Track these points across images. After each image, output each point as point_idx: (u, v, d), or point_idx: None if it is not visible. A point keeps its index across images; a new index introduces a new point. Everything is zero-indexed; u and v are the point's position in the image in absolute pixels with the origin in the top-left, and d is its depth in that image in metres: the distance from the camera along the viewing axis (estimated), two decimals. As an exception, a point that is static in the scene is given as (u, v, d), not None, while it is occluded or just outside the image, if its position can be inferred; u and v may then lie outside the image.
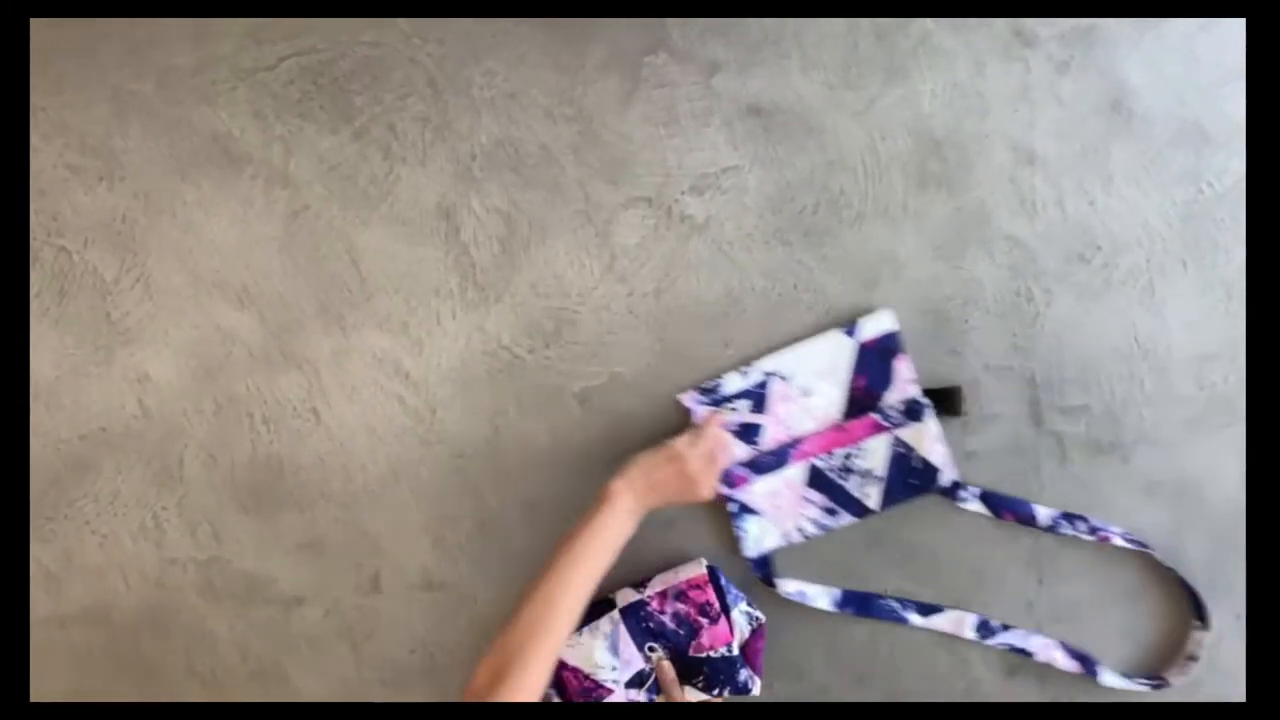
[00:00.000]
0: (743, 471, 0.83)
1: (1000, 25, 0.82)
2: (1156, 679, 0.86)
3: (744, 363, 0.84)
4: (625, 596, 0.81)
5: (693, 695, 0.81)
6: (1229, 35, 0.83)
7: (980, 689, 0.90)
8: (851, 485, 0.84)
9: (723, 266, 0.84)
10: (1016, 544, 0.87)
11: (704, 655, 0.80)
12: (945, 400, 0.86)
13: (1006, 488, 0.86)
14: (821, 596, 0.86)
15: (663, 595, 0.80)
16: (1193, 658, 0.87)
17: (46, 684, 0.89)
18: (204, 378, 0.84)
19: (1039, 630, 0.88)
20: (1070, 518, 0.85)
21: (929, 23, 0.82)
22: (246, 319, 0.84)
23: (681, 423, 0.84)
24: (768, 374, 0.83)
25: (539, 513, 0.86)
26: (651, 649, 0.80)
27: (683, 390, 0.83)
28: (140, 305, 0.83)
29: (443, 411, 0.85)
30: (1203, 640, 0.86)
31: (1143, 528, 0.88)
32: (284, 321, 0.84)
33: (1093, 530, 0.85)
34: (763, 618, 0.83)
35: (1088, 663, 0.88)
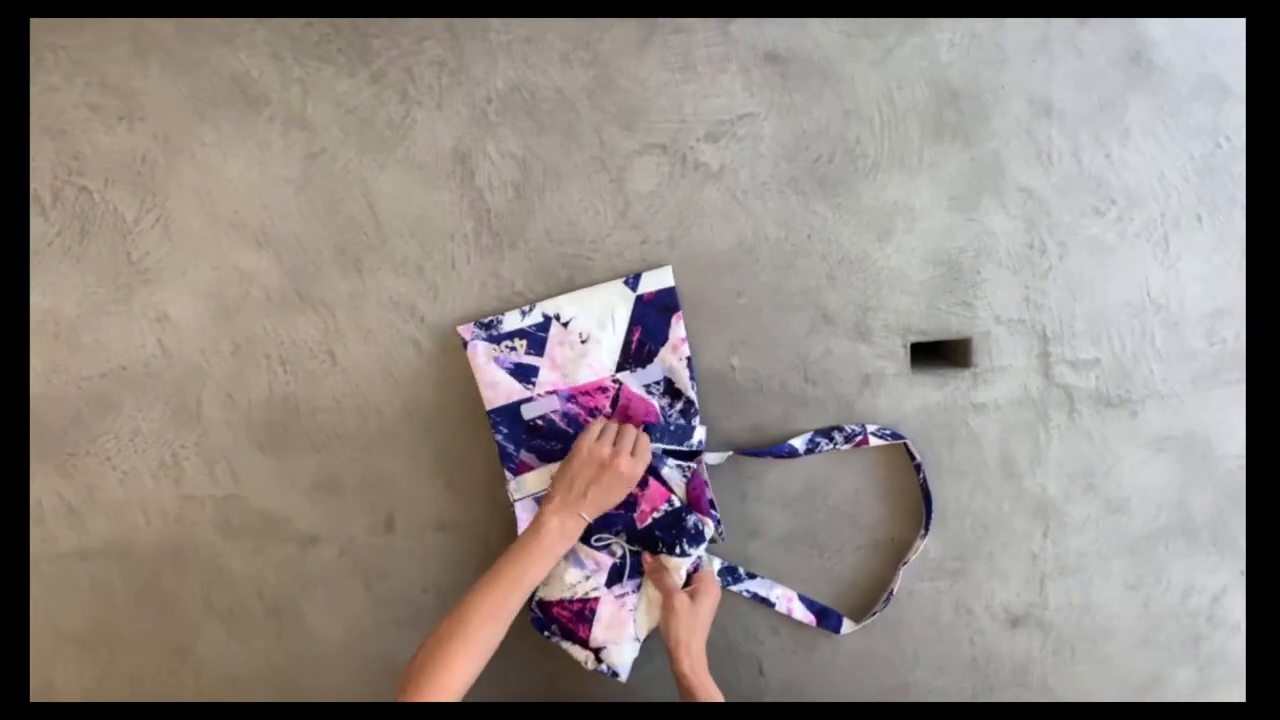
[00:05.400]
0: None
1: (1020, -25, 0.82)
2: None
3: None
4: None
5: (672, 564, 0.82)
6: (1252, -13, 0.82)
7: (984, 640, 0.91)
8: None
9: (736, 215, 0.84)
10: (1023, 497, 0.88)
11: (649, 522, 0.82)
12: (955, 352, 0.87)
13: (1015, 440, 0.87)
14: None
15: None
16: (904, 562, 0.88)
17: (68, 618, 0.91)
18: (222, 318, 0.85)
19: (780, 582, 0.89)
20: (823, 433, 0.86)
21: (949, -29, 0.81)
22: (264, 260, 0.84)
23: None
24: (548, 316, 0.83)
25: (550, 457, 0.87)
26: (602, 541, 0.82)
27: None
28: (160, 246, 0.84)
29: (457, 355, 0.85)
30: (919, 546, 0.87)
31: (1150, 482, 0.88)
32: (301, 263, 0.84)
33: (848, 438, 0.86)
34: (692, 466, 0.84)
35: (826, 615, 0.89)
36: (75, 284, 0.85)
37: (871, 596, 0.91)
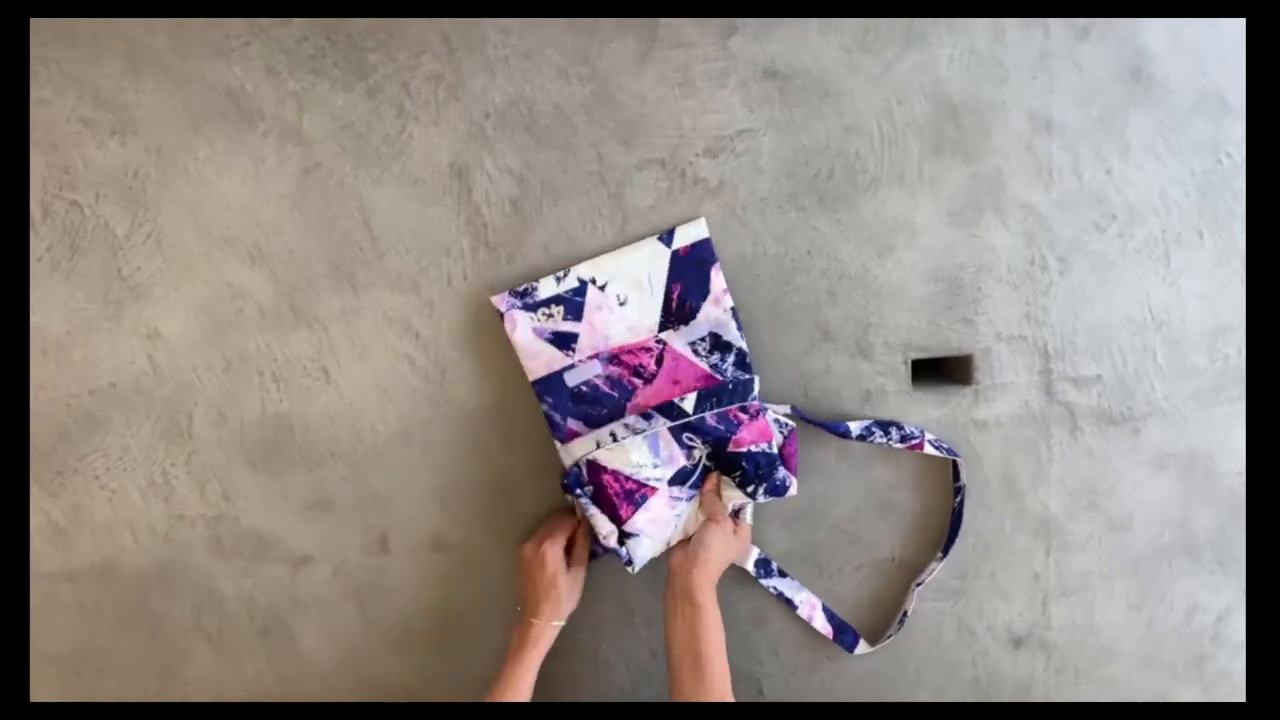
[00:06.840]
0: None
1: (1020, -9, 0.81)
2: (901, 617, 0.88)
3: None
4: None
5: (730, 494, 0.82)
6: (1251, 3, 0.82)
7: (987, 660, 0.90)
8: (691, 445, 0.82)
9: (736, 230, 0.83)
10: (1024, 515, 0.87)
11: (744, 450, 0.80)
12: (956, 369, 0.86)
13: (1017, 458, 0.86)
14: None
15: None
16: (919, 582, 0.87)
17: (54, 639, 0.89)
18: (214, 335, 0.84)
19: (807, 586, 0.89)
20: (882, 425, 0.84)
21: (948, -13, 0.81)
22: (257, 276, 0.83)
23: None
24: (583, 280, 0.82)
25: (548, 475, 0.86)
26: (690, 442, 0.81)
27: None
28: (151, 261, 0.83)
29: (453, 372, 0.84)
30: (935, 569, 0.87)
31: (1152, 500, 0.88)
32: (295, 279, 0.83)
33: (904, 438, 0.84)
34: (792, 424, 0.83)
35: (844, 631, 0.88)
36: (65, 300, 0.84)
37: (871, 617, 0.89)
